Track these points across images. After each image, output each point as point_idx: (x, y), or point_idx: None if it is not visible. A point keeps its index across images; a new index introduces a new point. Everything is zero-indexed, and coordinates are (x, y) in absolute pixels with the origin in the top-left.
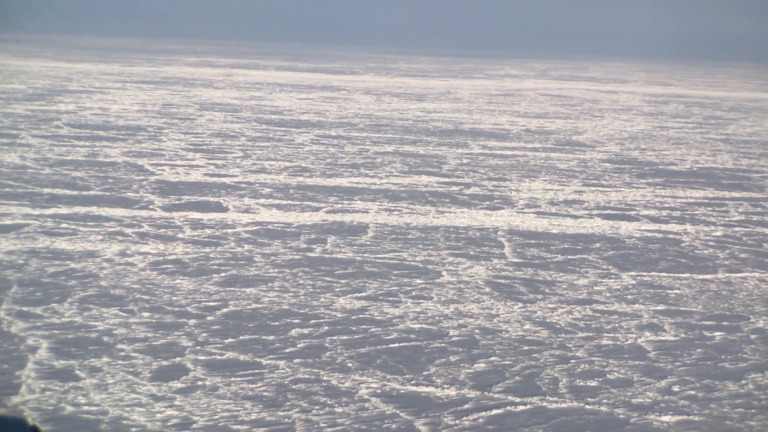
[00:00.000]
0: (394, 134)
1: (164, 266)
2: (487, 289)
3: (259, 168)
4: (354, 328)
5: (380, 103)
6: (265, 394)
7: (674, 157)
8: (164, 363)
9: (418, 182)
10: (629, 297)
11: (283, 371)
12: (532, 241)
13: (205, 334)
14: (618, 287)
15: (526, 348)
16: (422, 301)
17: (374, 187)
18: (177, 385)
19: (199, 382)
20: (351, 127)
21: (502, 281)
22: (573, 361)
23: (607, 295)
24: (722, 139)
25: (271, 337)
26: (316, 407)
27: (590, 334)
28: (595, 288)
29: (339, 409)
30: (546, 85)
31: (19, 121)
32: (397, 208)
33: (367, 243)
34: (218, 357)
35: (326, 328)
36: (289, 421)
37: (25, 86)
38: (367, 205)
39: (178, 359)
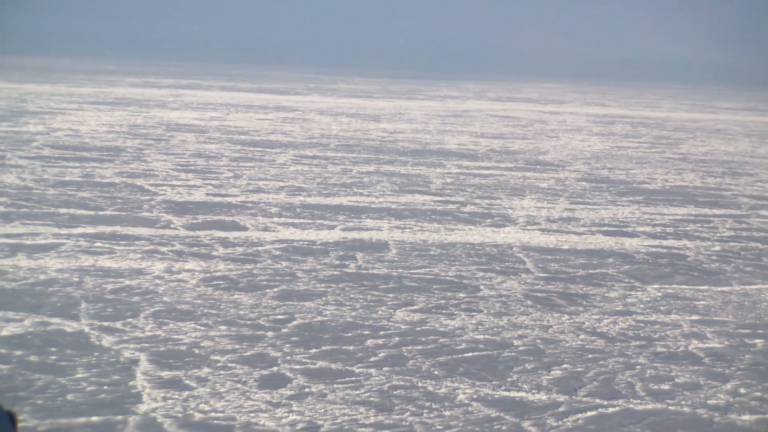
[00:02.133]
0: (367, 154)
1: (216, 282)
2: (529, 302)
3: (255, 188)
4: (423, 339)
5: (339, 123)
6: (372, 399)
7: (643, 176)
8: (264, 372)
9: (414, 201)
10: (662, 308)
11: (378, 378)
12: (549, 257)
13: (288, 345)
14: (648, 299)
15: (590, 356)
16: (474, 313)
17: (375, 206)
18: (286, 392)
19: (306, 389)
20: (323, 147)
21: (539, 294)
22: (638, 367)
23: (641, 306)
24: (680, 159)
25: (351, 347)
26: (425, 411)
27: (643, 343)
28: (628, 300)
29: (447, 413)
30: (489, 106)
31: None
32: (407, 226)
33: (396, 259)
34: (311, 366)
35: (397, 339)
36: (407, 424)
37: None
38: (378, 223)
39: (275, 368)
